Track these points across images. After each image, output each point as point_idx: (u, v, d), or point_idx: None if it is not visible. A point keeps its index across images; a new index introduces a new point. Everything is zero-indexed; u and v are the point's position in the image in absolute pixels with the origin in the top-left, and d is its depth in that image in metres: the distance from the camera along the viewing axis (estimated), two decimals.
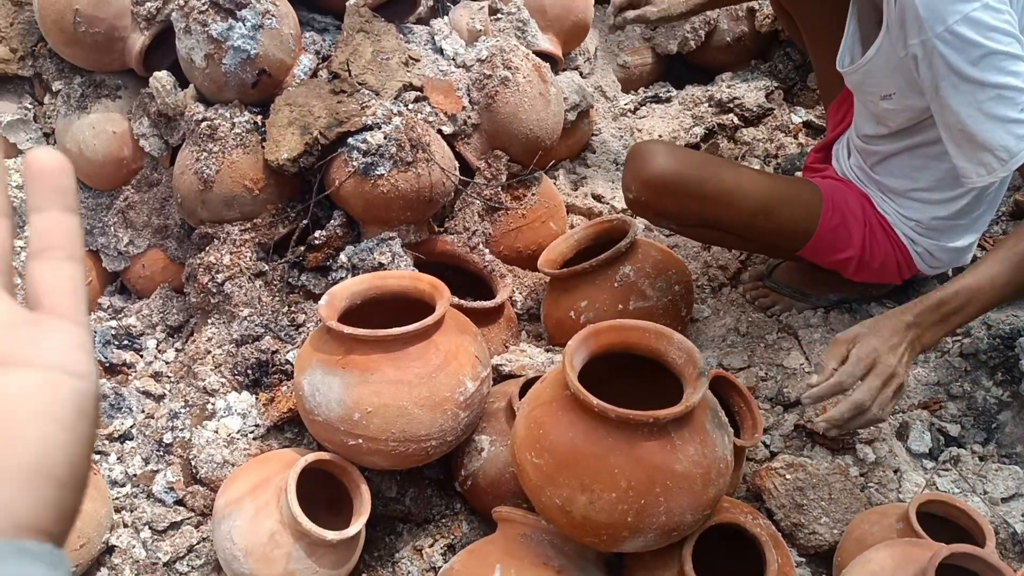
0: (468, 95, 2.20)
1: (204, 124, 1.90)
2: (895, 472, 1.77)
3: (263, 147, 1.91)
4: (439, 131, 2.09)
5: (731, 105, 2.79)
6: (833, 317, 2.04)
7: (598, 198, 2.50)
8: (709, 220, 1.82)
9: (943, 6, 1.39)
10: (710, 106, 2.83)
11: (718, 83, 2.91)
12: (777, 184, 1.87)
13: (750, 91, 2.81)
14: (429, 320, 1.47)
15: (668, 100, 2.91)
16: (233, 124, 1.91)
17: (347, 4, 2.17)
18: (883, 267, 1.89)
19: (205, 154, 1.88)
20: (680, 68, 3.01)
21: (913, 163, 1.78)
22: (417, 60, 2.21)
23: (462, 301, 1.89)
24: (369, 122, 1.93)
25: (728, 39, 2.88)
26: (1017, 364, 1.82)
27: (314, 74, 2.13)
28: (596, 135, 2.74)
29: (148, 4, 1.99)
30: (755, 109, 2.77)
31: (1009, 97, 1.38)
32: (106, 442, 1.81)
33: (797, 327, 2.04)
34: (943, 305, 1.41)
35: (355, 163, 1.88)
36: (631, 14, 2.14)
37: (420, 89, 2.14)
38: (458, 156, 2.17)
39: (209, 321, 1.86)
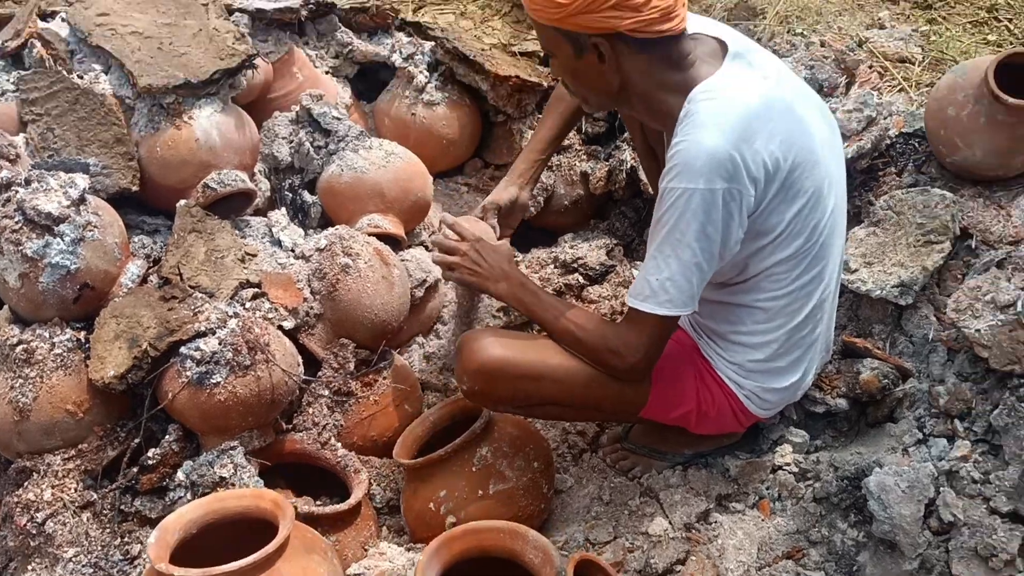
0: (309, 285, 2.18)
1: (19, 348, 1.79)
2: None
3: (87, 365, 1.81)
4: (280, 327, 2.05)
5: (575, 265, 2.87)
6: (691, 474, 2.06)
7: (453, 371, 2.48)
8: (545, 399, 1.83)
9: (696, 167, 1.54)
10: (556, 267, 2.90)
11: (561, 244, 3.00)
12: None
13: (592, 250, 2.91)
14: (270, 548, 1.38)
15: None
16: (52, 344, 1.81)
17: (178, 205, 2.14)
18: (720, 415, 1.93)
19: (21, 380, 1.76)
20: (524, 232, 3.10)
21: (732, 307, 1.87)
22: (254, 255, 2.18)
23: (313, 508, 1.80)
24: (203, 328, 1.88)
25: (566, 202, 2.99)
26: (867, 504, 1.86)
27: (144, 280, 2.07)
28: (447, 306, 2.75)
29: None
30: (598, 267, 2.86)
31: (660, 269, 1.64)
32: None
33: (658, 489, 2.04)
34: (524, 288, 1.85)
35: (189, 373, 1.81)
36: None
37: (258, 285, 2.10)
38: (302, 349, 2.12)
39: (30, 567, 1.69)
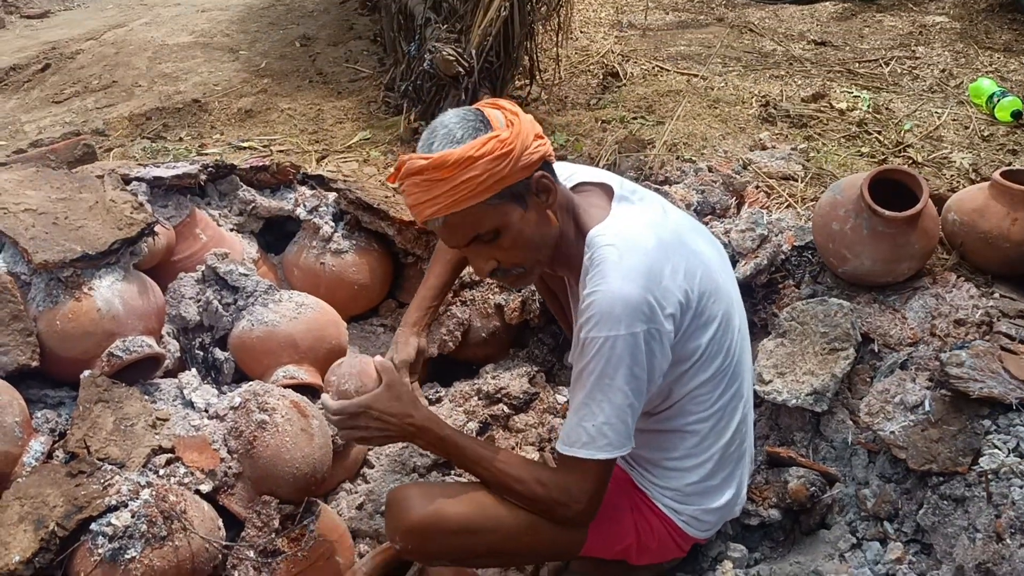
0: (225, 445, 2.11)
1: None
2: None
3: None
4: (197, 491, 1.98)
5: (499, 395, 2.86)
6: None
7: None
8: (482, 551, 1.79)
9: (615, 315, 1.57)
10: (479, 399, 2.88)
11: (483, 375, 2.99)
12: None
13: (514, 379, 2.91)
14: None
15: (438, 400, 2.95)
16: None
17: (82, 376, 2.07)
18: (661, 545, 1.92)
19: None
20: (445, 366, 3.09)
21: (663, 434, 1.88)
22: (166, 419, 2.12)
23: None
24: (114, 501, 1.81)
25: (484, 334, 3.00)
26: None
27: (49, 455, 1.97)
28: (372, 449, 2.69)
29: None
30: (521, 396, 2.85)
31: (595, 415, 1.64)
32: None
33: None
34: (444, 442, 1.75)
35: (100, 550, 1.73)
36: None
37: (171, 450, 2.03)
38: (223, 510, 2.04)
39: None
